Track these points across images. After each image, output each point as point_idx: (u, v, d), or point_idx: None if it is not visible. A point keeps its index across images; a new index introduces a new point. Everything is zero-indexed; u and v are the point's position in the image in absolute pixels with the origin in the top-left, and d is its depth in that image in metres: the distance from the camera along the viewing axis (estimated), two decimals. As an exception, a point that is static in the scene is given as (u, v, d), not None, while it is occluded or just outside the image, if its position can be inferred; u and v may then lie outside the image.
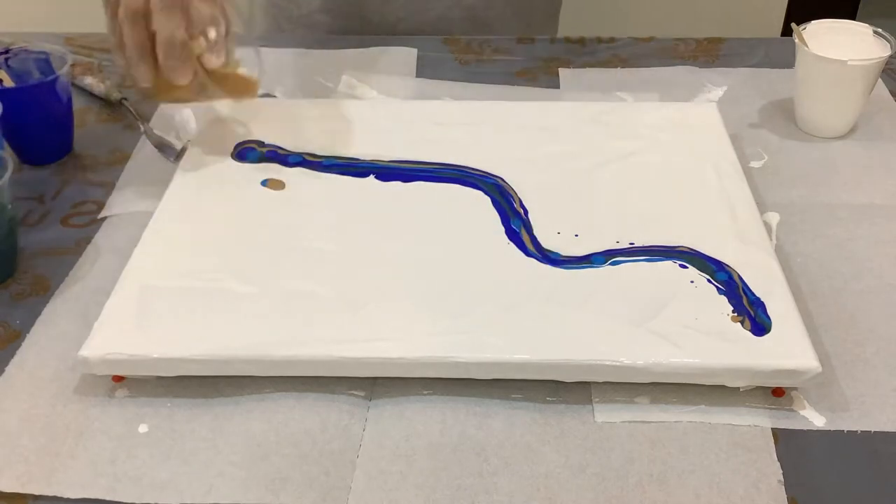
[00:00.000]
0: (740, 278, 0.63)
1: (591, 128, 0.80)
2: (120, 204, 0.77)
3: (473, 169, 0.75)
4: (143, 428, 0.58)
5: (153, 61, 0.68)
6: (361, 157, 0.77)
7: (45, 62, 0.84)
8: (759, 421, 0.58)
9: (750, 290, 0.62)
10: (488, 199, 0.72)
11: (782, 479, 0.54)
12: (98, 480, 0.55)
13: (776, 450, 0.56)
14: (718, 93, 0.92)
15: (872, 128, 0.86)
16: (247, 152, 0.78)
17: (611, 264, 0.65)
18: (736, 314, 0.61)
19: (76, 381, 0.61)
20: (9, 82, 0.82)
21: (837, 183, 0.79)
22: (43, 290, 0.68)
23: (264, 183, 0.74)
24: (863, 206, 0.76)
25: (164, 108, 0.91)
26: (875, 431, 0.58)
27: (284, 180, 0.74)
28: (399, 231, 0.69)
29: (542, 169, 0.75)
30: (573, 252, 0.66)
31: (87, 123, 0.89)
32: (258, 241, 0.68)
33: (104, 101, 0.92)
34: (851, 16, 1.69)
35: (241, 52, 0.75)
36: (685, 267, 0.65)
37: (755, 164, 0.81)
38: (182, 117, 0.89)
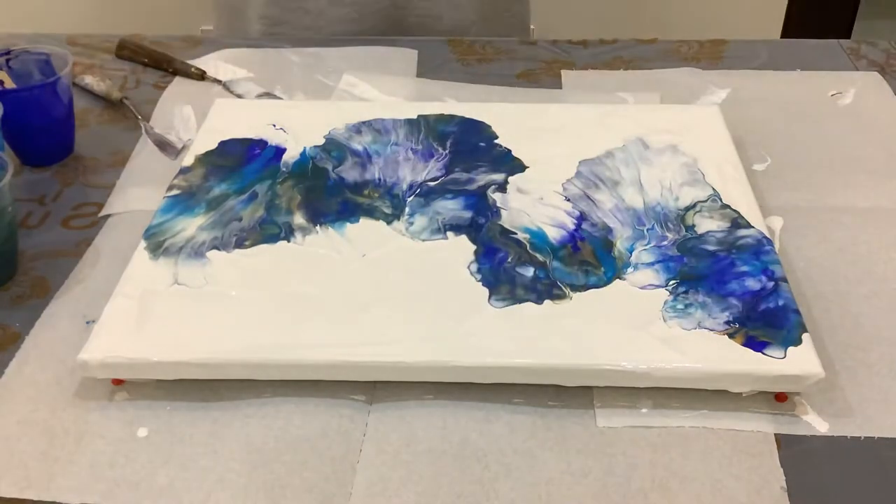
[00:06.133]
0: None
1: (593, 129, 0.80)
2: (121, 203, 0.77)
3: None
4: (142, 432, 0.58)
5: None
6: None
7: (46, 63, 0.83)
8: (761, 426, 0.58)
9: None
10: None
11: (785, 486, 0.54)
12: (96, 486, 0.54)
13: (779, 455, 0.56)
14: (721, 95, 0.91)
15: (876, 131, 0.86)
16: (249, 153, 0.77)
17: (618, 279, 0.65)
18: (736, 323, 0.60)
19: (76, 384, 0.61)
20: (10, 84, 0.82)
21: (841, 186, 0.78)
22: (43, 293, 0.68)
23: (263, 182, 0.74)
24: (867, 209, 0.76)
25: (165, 107, 0.91)
26: (879, 437, 0.57)
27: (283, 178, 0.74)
28: (399, 234, 0.69)
29: (542, 171, 0.75)
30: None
31: (88, 124, 0.89)
32: (257, 245, 0.68)
33: (105, 101, 0.92)
34: (851, 16, 1.67)
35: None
36: (688, 271, 0.65)
37: (758, 167, 0.80)
38: (183, 116, 0.89)
